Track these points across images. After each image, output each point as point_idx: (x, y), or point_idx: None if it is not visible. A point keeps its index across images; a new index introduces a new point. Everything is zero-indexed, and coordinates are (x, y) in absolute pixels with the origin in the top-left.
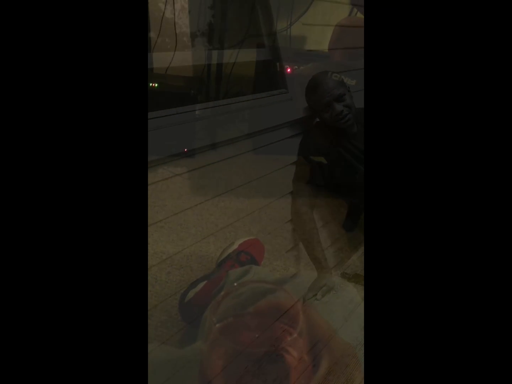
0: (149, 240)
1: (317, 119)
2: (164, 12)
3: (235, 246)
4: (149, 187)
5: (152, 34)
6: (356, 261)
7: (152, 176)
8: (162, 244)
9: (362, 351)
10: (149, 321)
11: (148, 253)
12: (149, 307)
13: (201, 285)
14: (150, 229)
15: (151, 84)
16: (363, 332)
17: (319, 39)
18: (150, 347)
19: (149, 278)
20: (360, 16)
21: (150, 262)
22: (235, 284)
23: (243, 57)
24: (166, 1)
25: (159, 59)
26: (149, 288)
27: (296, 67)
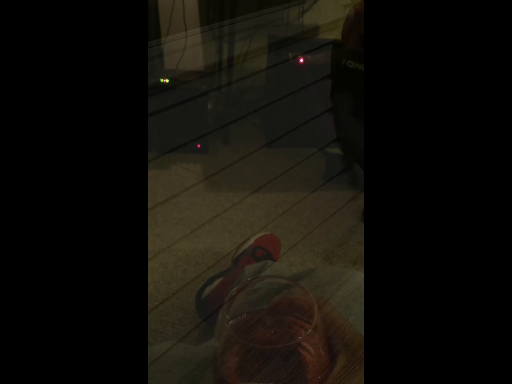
0: (164, 237)
1: None
2: (173, 5)
3: (250, 242)
4: (163, 184)
5: (162, 28)
6: None
7: (166, 173)
8: (177, 241)
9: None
10: (166, 318)
11: (164, 251)
12: (165, 305)
13: (217, 281)
14: (165, 227)
15: (162, 80)
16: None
17: (332, 27)
18: (167, 345)
19: (165, 275)
20: None
21: (166, 259)
22: (249, 278)
23: (254, 48)
24: None
25: (170, 54)
26: (166, 285)
27: (309, 56)
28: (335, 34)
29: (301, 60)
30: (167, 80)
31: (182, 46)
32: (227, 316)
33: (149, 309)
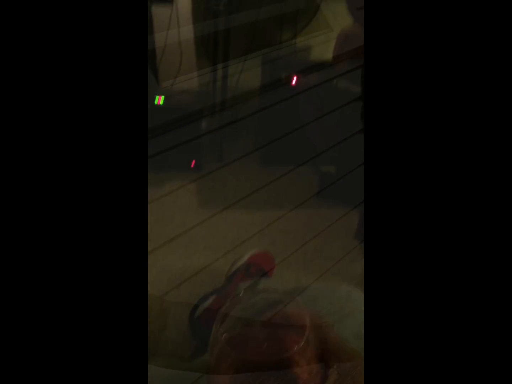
0: (158, 255)
1: None
2: (169, 26)
3: (244, 259)
4: (156, 202)
5: (157, 50)
6: None
7: (159, 191)
8: (170, 259)
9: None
10: (159, 338)
11: (157, 269)
12: (158, 324)
13: (211, 299)
14: (158, 244)
15: (157, 98)
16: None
17: (324, 48)
18: (160, 362)
19: (158, 294)
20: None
21: (159, 277)
22: (242, 292)
23: (248, 69)
24: (170, 15)
25: (165, 73)
26: (159, 304)
27: (302, 76)
28: (326, 55)
29: (294, 80)
30: (161, 100)
31: (177, 65)
32: (220, 330)
33: None
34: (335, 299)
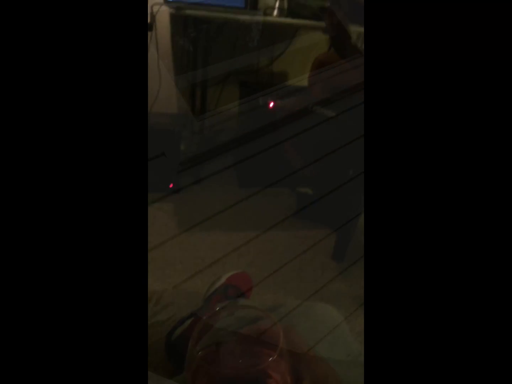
0: None
1: None
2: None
3: (222, 281)
4: None
5: None
6: (345, 290)
7: None
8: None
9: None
10: None
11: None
12: None
13: (188, 322)
14: None
15: None
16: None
17: (300, 74)
18: None
19: None
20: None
21: None
22: (217, 308)
23: (227, 93)
24: (150, 39)
25: None
26: None
27: (279, 101)
28: (302, 81)
29: (271, 105)
30: None
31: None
32: (196, 348)
33: None
34: (311, 318)
